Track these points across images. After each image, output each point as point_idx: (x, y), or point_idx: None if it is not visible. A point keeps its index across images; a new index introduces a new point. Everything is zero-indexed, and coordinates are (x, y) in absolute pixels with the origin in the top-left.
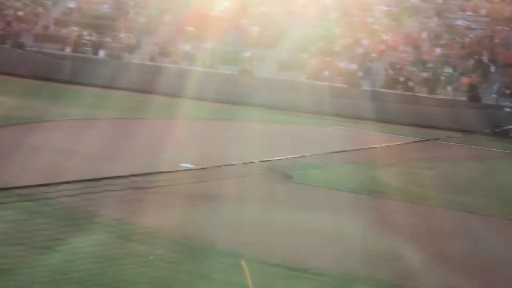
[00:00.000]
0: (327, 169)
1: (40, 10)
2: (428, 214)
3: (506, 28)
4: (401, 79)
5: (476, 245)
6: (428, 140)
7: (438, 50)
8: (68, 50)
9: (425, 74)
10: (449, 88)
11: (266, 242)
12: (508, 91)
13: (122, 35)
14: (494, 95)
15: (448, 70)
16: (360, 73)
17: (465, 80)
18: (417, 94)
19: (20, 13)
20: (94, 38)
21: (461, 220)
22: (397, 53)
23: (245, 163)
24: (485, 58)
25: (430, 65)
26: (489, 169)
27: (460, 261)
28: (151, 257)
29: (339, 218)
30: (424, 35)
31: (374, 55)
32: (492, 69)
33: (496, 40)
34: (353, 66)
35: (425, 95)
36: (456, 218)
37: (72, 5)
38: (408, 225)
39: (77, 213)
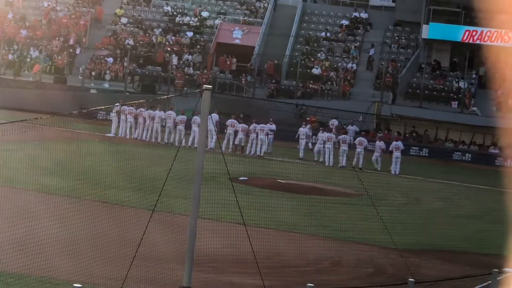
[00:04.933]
0: None
1: None
2: (17, 196)
3: (92, 10)
4: None
5: (65, 225)
6: (14, 122)
7: (24, 32)
8: None
9: (11, 56)
10: (36, 70)
11: None
12: (93, 73)
13: None
14: (80, 77)
15: (34, 52)
16: None
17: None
18: (2, 77)
19: None
20: None
21: (51, 202)
22: None
23: None
24: (71, 40)
25: (15, 46)
26: (77, 150)
27: (49, 242)
28: None
29: None
30: (10, 16)
31: None
32: (78, 51)
33: (82, 22)
34: None
35: (10, 77)
36: (45, 200)
37: None
38: None
39: None
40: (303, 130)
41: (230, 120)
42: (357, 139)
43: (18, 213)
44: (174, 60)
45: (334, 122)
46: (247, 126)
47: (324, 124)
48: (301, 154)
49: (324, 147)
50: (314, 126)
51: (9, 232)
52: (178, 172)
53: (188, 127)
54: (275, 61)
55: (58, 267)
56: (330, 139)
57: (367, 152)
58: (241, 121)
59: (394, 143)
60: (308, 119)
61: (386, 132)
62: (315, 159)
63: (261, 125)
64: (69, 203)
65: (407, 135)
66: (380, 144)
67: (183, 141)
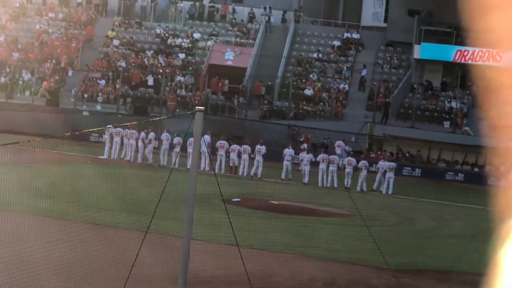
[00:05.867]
0: None
1: None
2: (8, 219)
3: (83, 32)
4: None
5: (57, 247)
6: (6, 144)
7: (16, 55)
8: None
9: (3, 79)
10: (28, 92)
11: None
12: (86, 95)
13: None
14: (72, 99)
15: (26, 74)
16: None
17: (45, 84)
18: None
19: None
20: None
21: (43, 224)
22: None
23: None
24: (63, 62)
25: (7, 69)
26: (69, 173)
27: (41, 264)
28: None
29: None
30: (2, 39)
31: None
32: (70, 73)
33: (73, 44)
34: None
35: (2, 100)
36: (37, 222)
37: None
38: None
39: None
40: (288, 151)
41: (219, 141)
42: (346, 159)
43: (9, 236)
44: (150, 80)
45: (340, 144)
46: (239, 147)
47: (317, 145)
48: (283, 175)
49: (317, 168)
50: (310, 144)
51: (0, 254)
52: (171, 194)
53: (184, 149)
54: (266, 82)
55: None
56: (324, 160)
57: (355, 172)
58: (231, 142)
59: (387, 163)
60: (301, 140)
61: (378, 152)
62: (305, 181)
63: (258, 146)
64: (61, 226)
65: (399, 155)
66: (363, 162)
67: (176, 163)
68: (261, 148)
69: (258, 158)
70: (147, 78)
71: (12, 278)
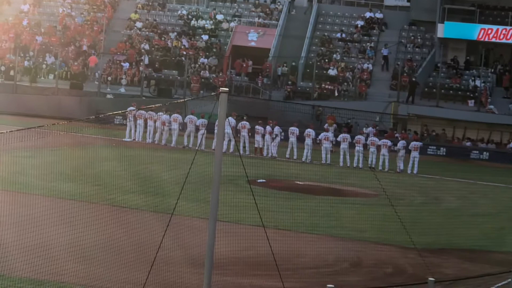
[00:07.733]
0: None
1: None
2: (34, 202)
3: (105, 15)
4: (2, 68)
5: (83, 231)
6: (31, 128)
7: (39, 39)
8: None
9: (26, 63)
10: (51, 76)
11: None
12: (109, 78)
13: None
14: (96, 82)
15: (50, 58)
16: None
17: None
18: (18, 83)
19: None
20: None
21: (68, 207)
22: None
23: None
24: (85, 45)
25: (31, 53)
26: (93, 156)
27: (67, 248)
28: None
29: None
30: (25, 23)
31: None
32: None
33: (96, 28)
34: None
35: (26, 84)
36: (62, 206)
37: None
38: (13, 215)
39: None
40: (311, 132)
41: (241, 122)
42: (369, 138)
43: (35, 219)
44: (146, 59)
45: (370, 131)
46: (262, 128)
47: (341, 126)
48: (308, 157)
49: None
50: (330, 123)
51: (27, 239)
52: (195, 175)
53: (211, 130)
54: (289, 63)
55: (76, 273)
56: (345, 140)
57: (378, 152)
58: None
59: (412, 142)
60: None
61: (402, 131)
62: (324, 161)
63: (292, 128)
64: (85, 209)
65: (424, 134)
66: (383, 141)
67: (203, 144)
68: (294, 130)
69: (292, 139)
70: (142, 57)
71: (39, 262)
